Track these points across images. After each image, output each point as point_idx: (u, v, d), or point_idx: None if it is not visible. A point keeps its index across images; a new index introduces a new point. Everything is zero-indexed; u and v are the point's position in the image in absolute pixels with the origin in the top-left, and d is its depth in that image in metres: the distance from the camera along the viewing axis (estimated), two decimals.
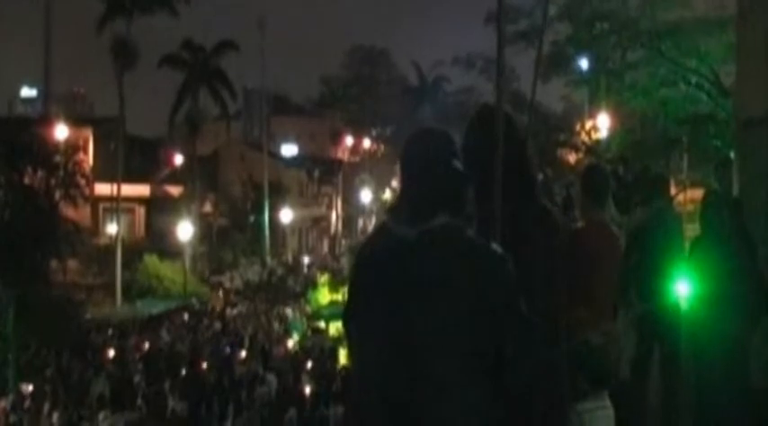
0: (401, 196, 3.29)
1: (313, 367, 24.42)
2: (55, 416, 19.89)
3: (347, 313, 3.42)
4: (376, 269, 3.19)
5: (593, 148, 28.00)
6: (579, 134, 30.28)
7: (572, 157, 31.99)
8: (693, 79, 21.82)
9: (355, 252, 3.56)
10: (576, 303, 4.46)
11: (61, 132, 36.23)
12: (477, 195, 3.33)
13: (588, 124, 29.52)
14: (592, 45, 25.56)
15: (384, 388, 3.09)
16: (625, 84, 24.42)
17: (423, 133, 3.36)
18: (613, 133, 26.74)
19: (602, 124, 27.67)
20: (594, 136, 28.67)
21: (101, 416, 18.69)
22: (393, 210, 3.29)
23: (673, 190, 25.79)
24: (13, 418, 19.51)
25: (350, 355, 3.47)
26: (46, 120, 39.65)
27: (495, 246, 3.15)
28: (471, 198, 3.27)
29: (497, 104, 3.69)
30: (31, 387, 22.09)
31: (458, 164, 3.22)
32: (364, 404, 3.19)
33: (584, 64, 26.92)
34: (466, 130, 3.88)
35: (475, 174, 3.33)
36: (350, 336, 3.45)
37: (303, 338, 30.18)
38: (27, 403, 20.77)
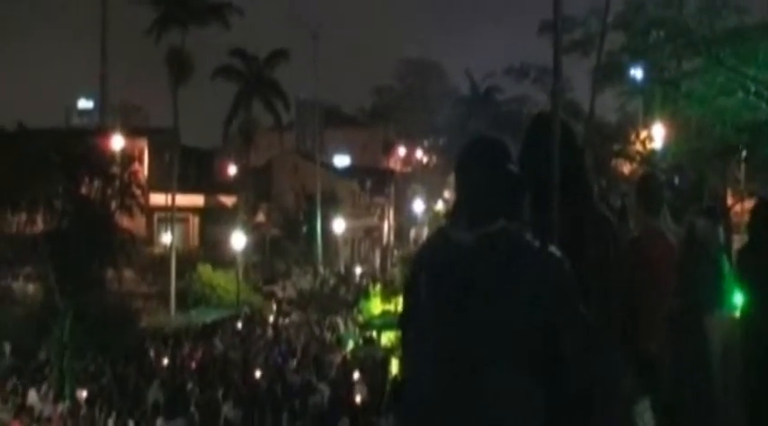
0: (457, 201, 3.31)
1: (364, 377, 24.38)
2: (110, 423, 20.10)
3: (404, 317, 3.43)
4: (433, 273, 3.20)
5: (649, 158, 27.66)
6: (634, 144, 29.96)
7: (627, 168, 31.68)
8: (752, 87, 21.42)
9: (412, 257, 3.59)
10: (632, 309, 4.44)
11: (117, 143, 36.74)
12: (535, 203, 3.34)
13: (643, 134, 29.20)
14: (647, 54, 25.24)
15: (438, 390, 3.10)
16: (681, 92, 24.06)
17: (478, 139, 3.39)
18: (669, 142, 26.40)
19: (657, 133, 27.36)
20: (649, 145, 28.35)
21: (159, 422, 18.77)
22: (450, 215, 3.31)
23: (729, 201, 25.41)
24: (69, 424, 19.76)
25: (405, 359, 3.46)
26: (102, 131, 40.20)
27: (554, 249, 3.14)
28: (527, 202, 3.27)
29: (554, 112, 3.68)
30: (86, 394, 22.38)
31: (513, 169, 3.23)
32: (417, 406, 3.19)
33: (638, 73, 26.61)
34: (523, 139, 3.90)
35: (533, 182, 3.34)
36: (406, 340, 3.44)
37: (355, 348, 30.16)
38: (83, 410, 21.03)
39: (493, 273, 3.07)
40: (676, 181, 22.47)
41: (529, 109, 56.69)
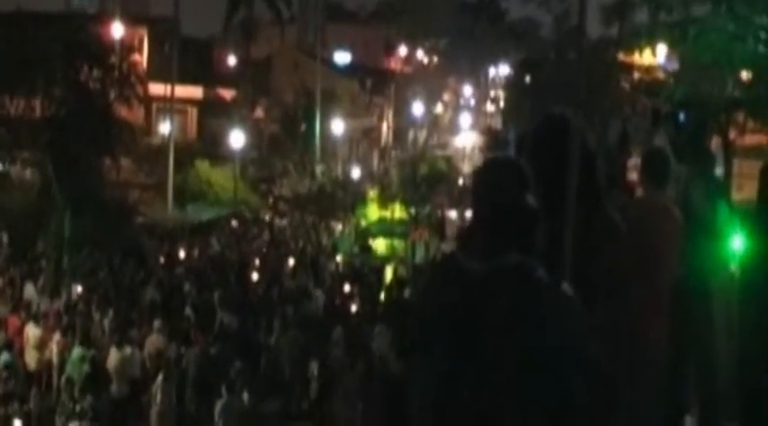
0: (471, 229, 3.30)
1: (360, 285, 24.39)
2: (106, 321, 19.98)
3: (412, 343, 3.48)
4: (444, 302, 3.22)
5: (653, 88, 27.39)
6: (638, 70, 29.75)
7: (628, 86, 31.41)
8: (763, 35, 21.13)
9: (423, 282, 3.68)
10: (640, 289, 4.51)
11: (117, 31, 36.12)
12: (545, 206, 3.31)
13: (648, 60, 28.93)
14: None
15: (443, 422, 3.15)
16: (690, 36, 23.53)
17: (495, 166, 3.34)
18: (674, 75, 26.10)
19: (660, 54, 27.05)
20: (654, 74, 28.21)
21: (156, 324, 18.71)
22: (463, 243, 3.34)
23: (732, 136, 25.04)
24: (65, 321, 19.68)
25: (411, 386, 3.48)
26: (102, 17, 39.46)
27: (566, 288, 3.17)
28: (542, 235, 3.25)
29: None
30: (82, 290, 22.27)
31: (530, 200, 3.19)
32: None
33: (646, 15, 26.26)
34: (533, 138, 3.96)
35: (544, 184, 3.32)
36: (413, 366, 3.48)
37: (351, 255, 30.16)
38: (80, 307, 20.92)
39: (503, 307, 3.08)
40: (681, 117, 22.27)
41: (534, 30, 56.41)
